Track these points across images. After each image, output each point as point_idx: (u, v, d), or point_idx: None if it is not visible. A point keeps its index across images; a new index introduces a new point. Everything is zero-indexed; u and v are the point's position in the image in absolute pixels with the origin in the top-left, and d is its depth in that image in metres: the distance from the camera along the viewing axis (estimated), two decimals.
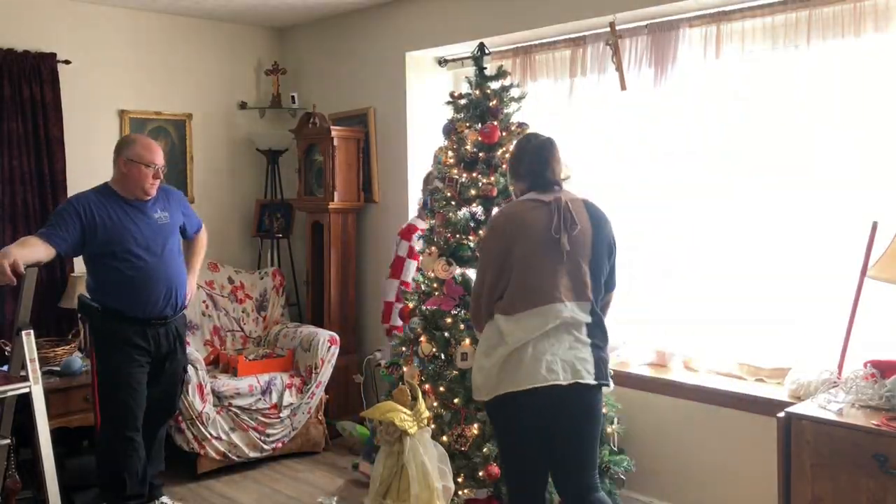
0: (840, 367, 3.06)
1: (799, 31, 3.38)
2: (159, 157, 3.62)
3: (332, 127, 5.00)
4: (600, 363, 2.72)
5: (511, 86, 3.67)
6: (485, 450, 3.37)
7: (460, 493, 3.43)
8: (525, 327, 2.68)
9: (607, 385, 2.77)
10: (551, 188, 2.81)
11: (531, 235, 2.72)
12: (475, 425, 3.42)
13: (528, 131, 3.36)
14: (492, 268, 2.77)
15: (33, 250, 3.26)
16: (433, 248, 3.63)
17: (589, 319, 2.72)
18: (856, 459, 2.53)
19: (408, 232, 4.25)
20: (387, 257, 5.04)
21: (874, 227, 3.03)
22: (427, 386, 3.54)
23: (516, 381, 2.66)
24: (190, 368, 4.24)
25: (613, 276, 2.86)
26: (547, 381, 2.63)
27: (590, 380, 2.67)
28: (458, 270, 3.57)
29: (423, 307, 3.62)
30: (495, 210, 3.48)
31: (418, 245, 3.99)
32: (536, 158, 2.85)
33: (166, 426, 3.95)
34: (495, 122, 3.56)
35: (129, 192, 3.60)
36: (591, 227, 2.75)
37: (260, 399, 4.49)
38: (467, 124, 3.64)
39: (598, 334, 2.74)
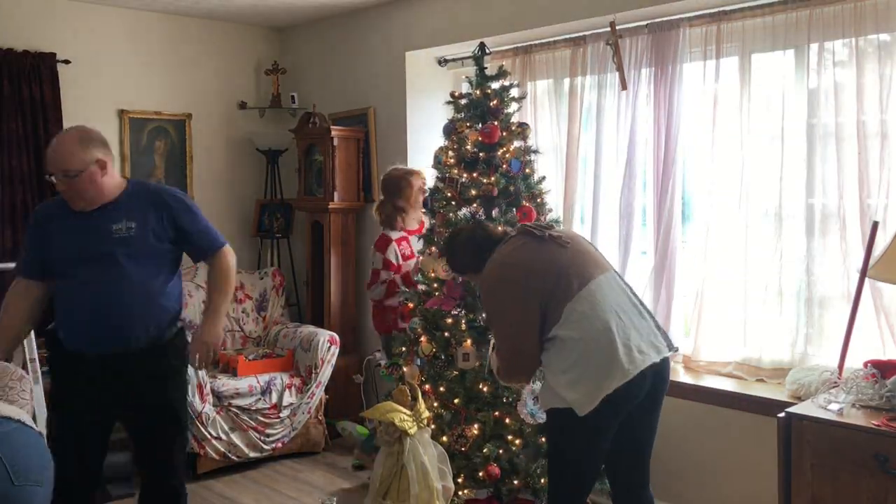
0: (840, 367, 3.06)
1: (799, 30, 3.38)
2: (50, 166, 2.78)
3: (331, 127, 5.00)
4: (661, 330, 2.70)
5: (511, 86, 3.67)
6: (485, 450, 3.37)
7: (460, 493, 3.43)
8: (584, 315, 2.54)
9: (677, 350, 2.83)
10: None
11: (537, 266, 2.66)
12: (475, 425, 3.42)
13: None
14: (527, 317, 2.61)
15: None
16: (433, 248, 3.63)
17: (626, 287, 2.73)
18: (856, 459, 2.53)
19: (382, 243, 4.10)
20: None
21: (874, 226, 3.03)
22: (427, 386, 3.54)
23: (615, 374, 2.49)
24: (190, 368, 4.23)
25: None
26: (645, 363, 2.52)
27: (666, 352, 2.65)
28: None
29: (424, 307, 3.62)
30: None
31: (418, 245, 3.98)
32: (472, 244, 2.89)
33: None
34: (496, 122, 3.56)
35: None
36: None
37: (260, 399, 4.49)
38: (468, 124, 3.64)
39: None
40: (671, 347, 2.67)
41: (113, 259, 2.77)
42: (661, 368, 2.62)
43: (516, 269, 2.65)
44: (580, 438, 2.59)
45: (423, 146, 4.72)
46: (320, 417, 4.79)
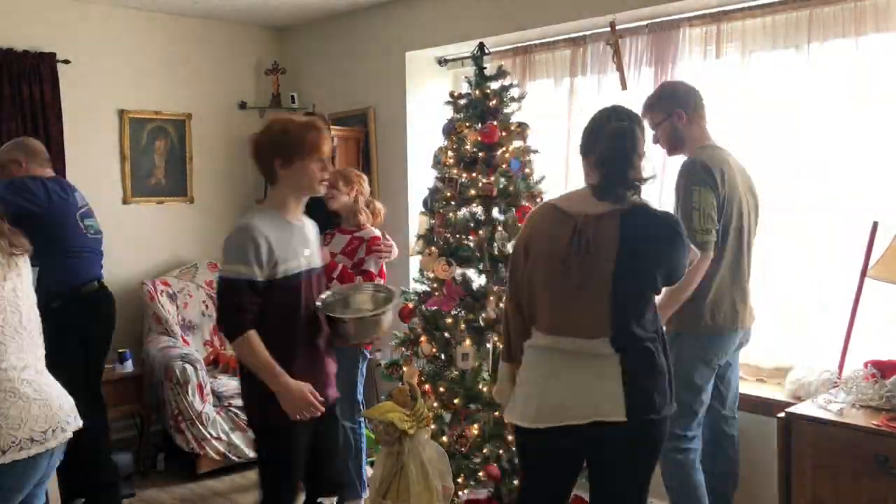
0: (840, 367, 3.06)
1: (799, 30, 3.38)
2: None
3: (332, 127, 4.99)
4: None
5: (511, 86, 3.66)
6: (485, 450, 3.37)
7: (460, 493, 3.43)
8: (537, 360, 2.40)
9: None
10: (617, 193, 2.34)
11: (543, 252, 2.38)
12: (475, 425, 3.42)
13: (611, 105, 2.60)
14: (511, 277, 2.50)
15: None
16: (433, 248, 3.63)
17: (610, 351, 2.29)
18: (856, 460, 2.53)
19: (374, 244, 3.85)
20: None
21: (874, 227, 3.03)
22: (427, 386, 3.53)
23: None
24: (189, 368, 4.24)
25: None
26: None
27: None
28: (458, 270, 3.56)
29: (424, 307, 3.62)
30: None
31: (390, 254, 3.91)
32: (611, 149, 2.36)
33: None
34: (495, 122, 3.56)
35: None
36: (617, 248, 2.28)
37: None
38: (467, 124, 3.63)
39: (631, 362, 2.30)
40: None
41: None
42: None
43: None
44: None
45: (423, 146, 4.72)
46: None
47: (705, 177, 2.86)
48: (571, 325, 2.30)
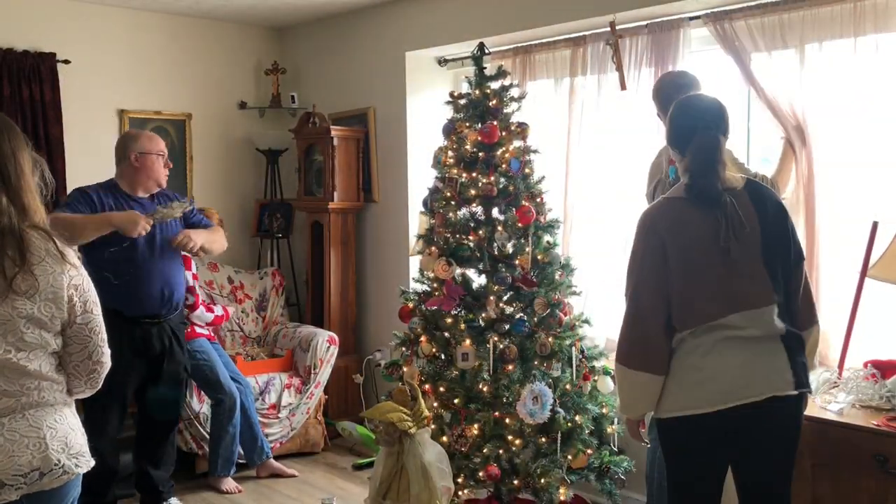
0: (840, 367, 3.06)
1: (800, 30, 3.37)
2: (164, 146, 3.77)
3: (331, 127, 5.00)
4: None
5: (511, 85, 3.67)
6: (485, 450, 3.37)
7: (460, 493, 3.43)
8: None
9: None
10: (710, 199, 2.36)
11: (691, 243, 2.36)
12: (475, 425, 3.42)
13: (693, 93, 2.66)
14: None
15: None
16: (433, 248, 3.63)
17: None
18: (856, 459, 2.53)
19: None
20: (387, 257, 5.05)
21: (874, 227, 3.03)
22: (427, 386, 3.54)
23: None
24: None
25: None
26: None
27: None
28: (458, 270, 3.57)
29: (424, 307, 3.62)
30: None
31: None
32: (698, 161, 2.38)
33: (175, 430, 3.96)
34: (495, 122, 3.56)
35: (140, 186, 3.68)
36: (758, 218, 2.37)
37: (258, 399, 4.49)
38: (467, 124, 3.64)
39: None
40: None
41: (162, 240, 3.66)
42: None
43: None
44: None
45: (423, 146, 4.72)
46: (319, 417, 4.78)
47: None
48: (739, 300, 2.32)
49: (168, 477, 3.92)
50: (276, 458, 4.54)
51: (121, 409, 3.65)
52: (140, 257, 3.57)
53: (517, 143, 3.61)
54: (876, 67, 3.22)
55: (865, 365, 2.87)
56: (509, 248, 3.55)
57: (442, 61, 4.87)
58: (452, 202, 3.61)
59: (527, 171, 3.59)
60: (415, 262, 4.34)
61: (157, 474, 3.84)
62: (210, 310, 4.38)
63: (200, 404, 4.28)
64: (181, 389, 3.88)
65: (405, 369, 3.65)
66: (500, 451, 3.39)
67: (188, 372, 3.93)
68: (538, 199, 3.59)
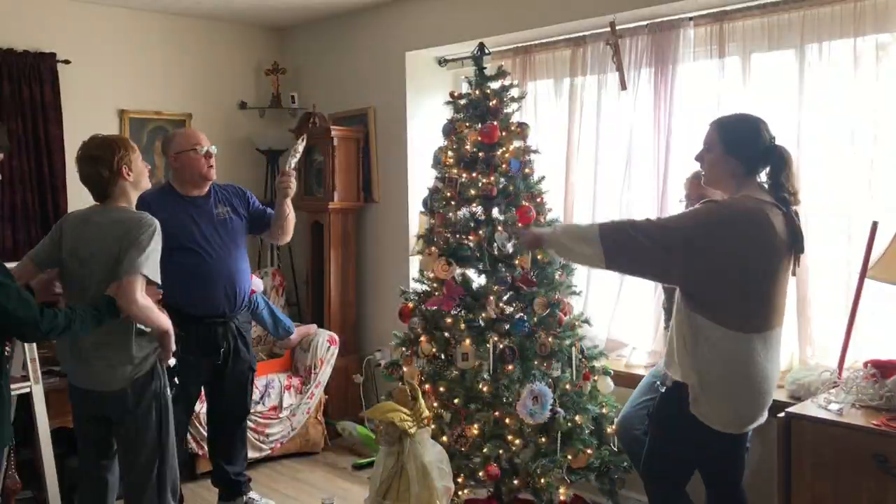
0: (840, 367, 3.06)
1: (799, 31, 3.38)
2: (204, 139, 3.62)
3: (332, 127, 5.00)
4: None
5: (511, 86, 3.67)
6: (485, 450, 3.37)
7: (460, 493, 3.43)
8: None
9: None
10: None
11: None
12: (475, 425, 3.42)
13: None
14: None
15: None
16: (433, 248, 3.63)
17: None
18: (856, 460, 2.53)
19: None
20: (387, 257, 5.05)
21: (874, 227, 3.02)
22: (427, 386, 3.54)
23: None
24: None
25: None
26: None
27: None
28: (458, 270, 3.57)
29: (424, 307, 3.62)
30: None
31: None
32: (781, 170, 2.57)
33: (244, 425, 3.97)
34: (495, 122, 3.56)
35: (190, 184, 3.60)
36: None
37: (259, 402, 4.49)
38: (467, 124, 3.64)
39: None
40: None
41: (225, 237, 3.63)
42: None
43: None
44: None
45: (423, 146, 4.72)
46: (319, 417, 4.78)
47: None
48: (779, 315, 2.58)
49: (243, 471, 3.94)
50: (277, 458, 4.53)
51: (187, 407, 3.68)
52: (204, 255, 3.53)
53: (517, 143, 3.61)
54: (876, 67, 3.23)
55: (865, 365, 2.87)
56: (509, 248, 3.55)
57: (442, 61, 4.87)
58: (452, 202, 3.61)
59: (527, 171, 3.59)
60: (415, 262, 4.34)
61: (231, 469, 3.88)
62: None
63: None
64: (247, 388, 3.87)
65: (405, 369, 3.65)
66: (500, 451, 3.39)
67: (253, 370, 3.89)
68: (538, 199, 3.59)
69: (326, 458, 4.73)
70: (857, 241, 3.25)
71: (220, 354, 3.63)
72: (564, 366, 3.48)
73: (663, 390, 2.73)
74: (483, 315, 3.48)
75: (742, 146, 2.55)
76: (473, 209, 3.59)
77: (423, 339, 3.59)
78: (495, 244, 3.51)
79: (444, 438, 3.43)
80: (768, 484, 3.08)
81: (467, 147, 3.61)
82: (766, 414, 2.63)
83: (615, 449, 3.52)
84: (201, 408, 4.27)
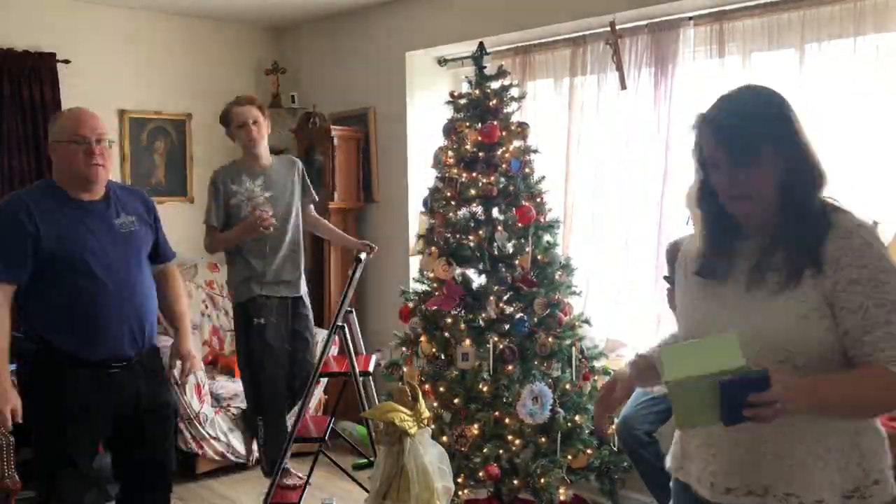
0: None
1: (799, 30, 3.38)
2: (92, 127, 2.65)
3: (332, 127, 5.00)
4: None
5: (511, 85, 3.67)
6: (485, 450, 3.37)
7: (460, 493, 3.43)
8: None
9: None
10: None
11: None
12: (475, 425, 3.42)
13: None
14: None
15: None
16: (433, 248, 3.63)
17: None
18: None
19: None
20: (387, 257, 5.04)
21: (874, 226, 3.02)
22: (427, 386, 3.54)
23: None
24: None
25: None
26: None
27: None
28: (458, 270, 3.57)
29: (424, 307, 3.62)
30: None
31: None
32: None
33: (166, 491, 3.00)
34: (495, 122, 3.56)
35: (72, 185, 2.68)
36: None
37: None
38: (467, 124, 3.64)
39: None
40: None
41: (129, 255, 2.74)
42: None
43: None
44: None
45: (423, 146, 4.72)
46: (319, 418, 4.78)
47: None
48: None
49: None
50: None
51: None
52: (102, 280, 2.64)
53: (517, 143, 3.61)
54: (876, 67, 3.23)
55: None
56: (509, 248, 3.55)
57: (442, 61, 4.86)
58: (452, 202, 3.61)
59: (527, 170, 3.60)
60: (415, 262, 4.34)
61: None
62: None
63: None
64: (170, 441, 3.00)
65: (405, 369, 3.65)
66: (500, 451, 3.39)
67: (177, 415, 3.25)
68: (538, 199, 3.60)
69: (326, 458, 4.72)
70: None
71: (126, 407, 2.74)
72: (564, 366, 3.48)
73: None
74: (483, 315, 3.48)
75: None
76: (473, 209, 3.59)
77: (423, 339, 3.60)
78: (495, 244, 3.51)
79: (444, 438, 3.43)
80: None
81: (467, 147, 3.61)
82: None
83: (615, 449, 3.52)
84: (202, 407, 4.28)
